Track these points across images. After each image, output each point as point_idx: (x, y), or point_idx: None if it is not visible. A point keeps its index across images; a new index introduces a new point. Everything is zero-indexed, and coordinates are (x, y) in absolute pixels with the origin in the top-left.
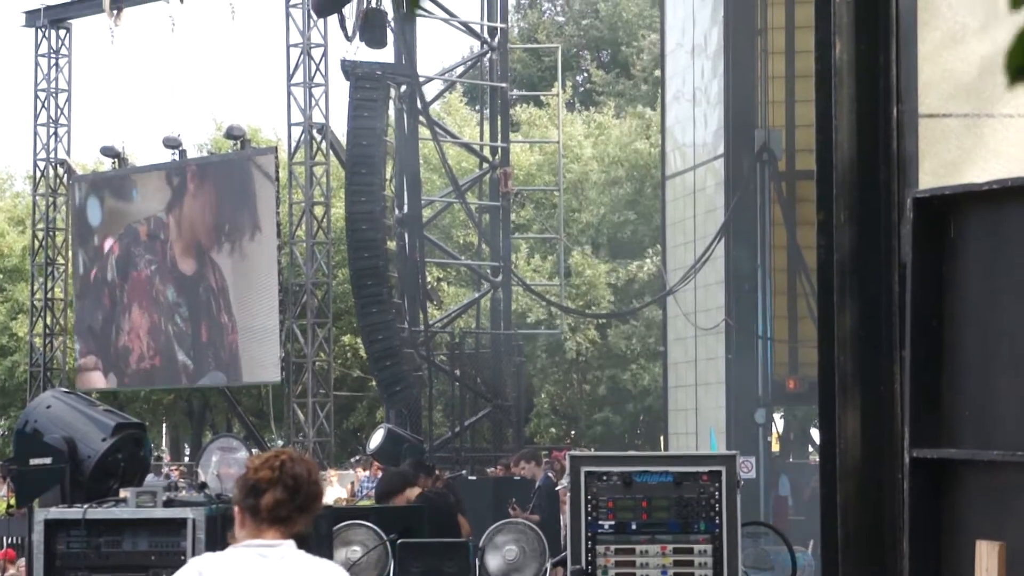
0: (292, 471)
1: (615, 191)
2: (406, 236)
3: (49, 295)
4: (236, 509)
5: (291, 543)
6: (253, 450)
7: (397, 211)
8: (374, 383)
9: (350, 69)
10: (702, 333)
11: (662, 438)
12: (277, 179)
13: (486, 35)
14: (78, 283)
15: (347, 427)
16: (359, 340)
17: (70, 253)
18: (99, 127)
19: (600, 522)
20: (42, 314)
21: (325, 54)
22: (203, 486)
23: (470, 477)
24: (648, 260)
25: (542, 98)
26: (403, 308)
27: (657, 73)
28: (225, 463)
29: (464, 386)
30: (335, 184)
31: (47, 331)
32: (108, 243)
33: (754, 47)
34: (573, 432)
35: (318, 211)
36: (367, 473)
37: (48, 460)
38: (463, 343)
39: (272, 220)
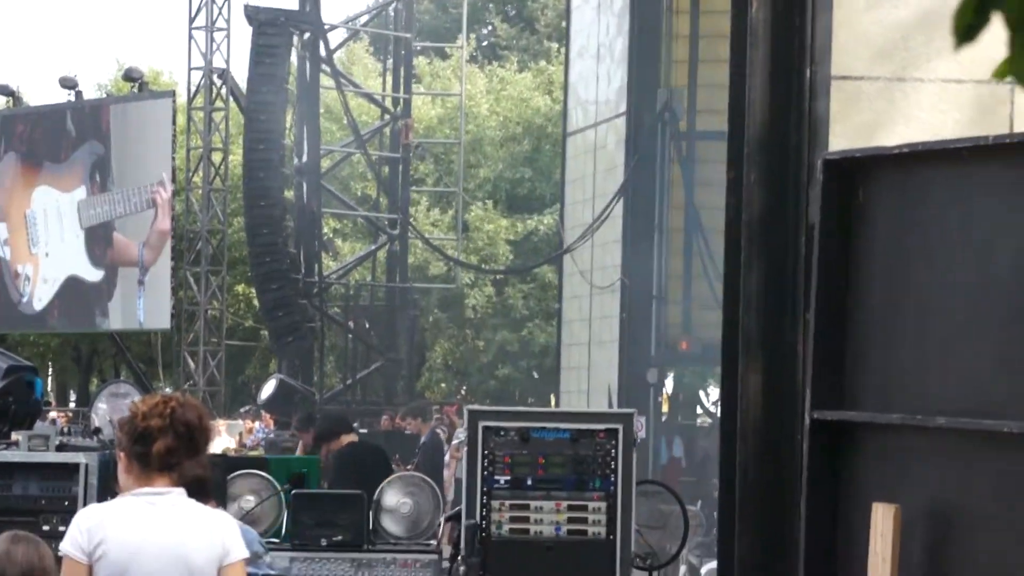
0: (183, 418)
1: (513, 147)
2: (304, 186)
3: None
4: (122, 455)
5: (181, 491)
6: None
7: (296, 160)
8: (267, 333)
9: (253, 15)
10: (597, 292)
11: (553, 396)
12: (174, 124)
13: None
14: None
15: (240, 378)
16: (253, 289)
17: None
18: None
19: (496, 477)
20: None
21: None
22: (97, 431)
23: (360, 430)
24: (547, 216)
25: (446, 50)
26: (298, 258)
27: (563, 28)
28: (116, 409)
29: (357, 338)
30: (234, 131)
31: None
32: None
33: (659, 5)
34: (464, 388)
35: (216, 157)
36: (258, 423)
37: None
38: (358, 295)
39: (168, 165)
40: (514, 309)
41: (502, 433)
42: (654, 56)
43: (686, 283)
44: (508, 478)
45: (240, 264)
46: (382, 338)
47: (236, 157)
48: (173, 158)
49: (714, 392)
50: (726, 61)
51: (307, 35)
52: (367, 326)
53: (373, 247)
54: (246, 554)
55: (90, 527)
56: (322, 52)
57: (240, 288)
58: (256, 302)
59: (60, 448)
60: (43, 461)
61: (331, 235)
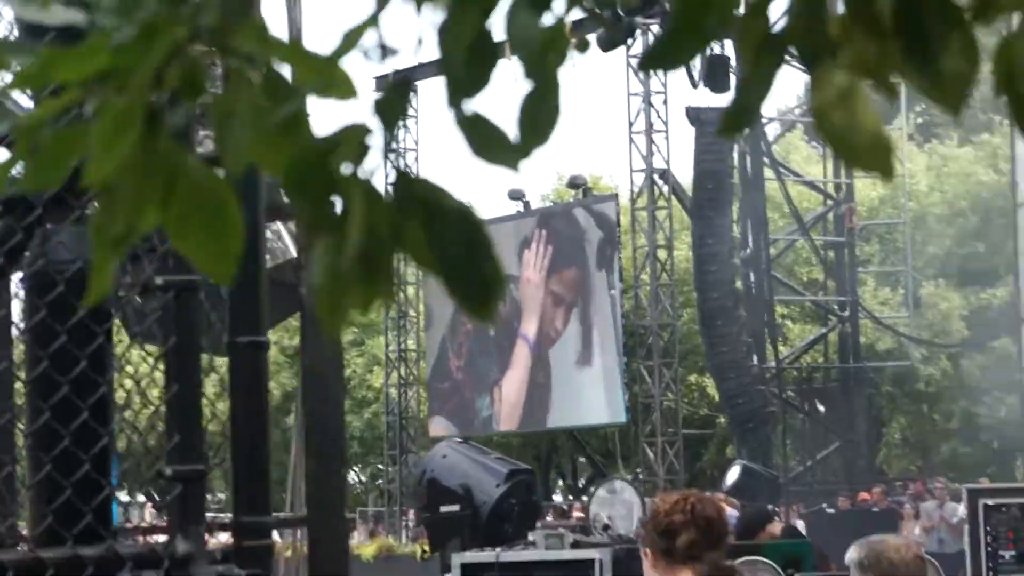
0: (703, 513)
1: (960, 222)
2: (751, 275)
3: (403, 347)
4: (647, 551)
5: None
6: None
7: (742, 251)
8: (721, 420)
9: (695, 115)
10: None
11: (1021, 468)
12: (618, 224)
13: None
14: (429, 338)
15: (697, 465)
16: (705, 379)
17: (421, 307)
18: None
19: (1000, 553)
20: (396, 366)
21: (665, 101)
22: (606, 527)
23: (828, 510)
24: (999, 289)
25: None
26: (751, 346)
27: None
28: (613, 504)
29: (814, 420)
30: (677, 227)
31: (401, 382)
32: None
33: None
34: (920, 463)
35: (660, 254)
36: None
37: (456, 508)
38: (811, 378)
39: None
40: (970, 378)
41: (1004, 509)
42: None
43: None
44: (1013, 553)
45: (690, 355)
46: (838, 418)
47: (680, 252)
48: (619, 257)
49: None
50: None
51: (747, 130)
52: (819, 407)
53: (824, 330)
54: None
55: None
56: (762, 145)
57: (692, 378)
58: (709, 390)
59: (575, 545)
60: (560, 559)
61: (780, 321)
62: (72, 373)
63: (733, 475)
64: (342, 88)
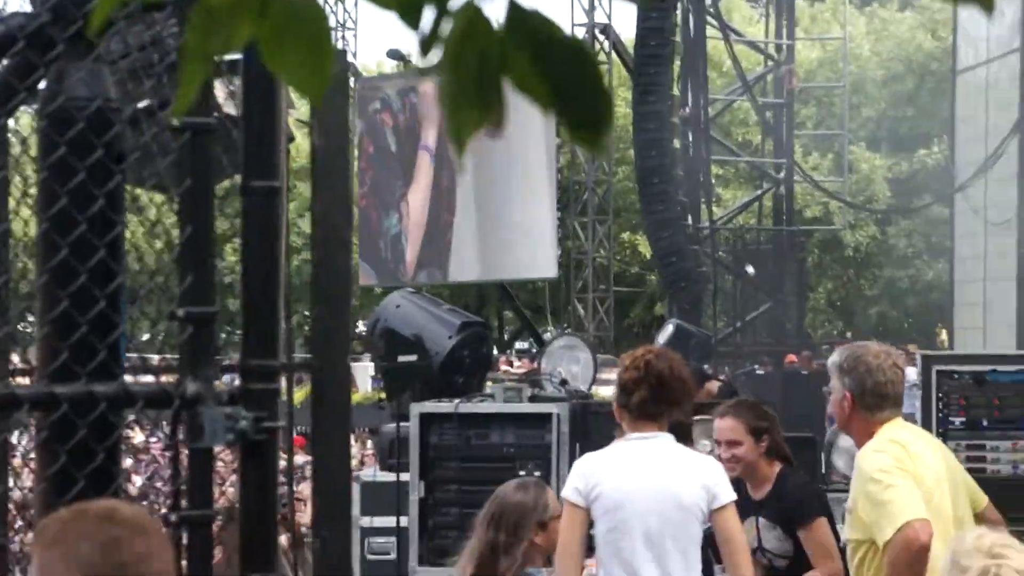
0: (656, 368)
1: (896, 87)
2: (689, 135)
3: None
4: (615, 405)
5: (668, 435)
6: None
7: (682, 110)
8: (652, 279)
9: None
10: (992, 228)
11: (944, 332)
12: None
13: None
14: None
15: (625, 322)
16: (637, 237)
17: (355, 152)
18: (386, 30)
19: (951, 419)
20: None
21: None
22: (564, 382)
23: (758, 371)
24: (932, 153)
25: None
26: (686, 206)
27: None
28: (570, 360)
29: (746, 282)
30: (615, 83)
31: None
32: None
33: None
34: (849, 332)
35: None
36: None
37: (414, 357)
38: (744, 240)
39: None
40: (897, 248)
41: (956, 376)
42: None
43: None
44: (963, 419)
45: (624, 212)
46: (768, 281)
47: (619, 109)
48: None
49: None
50: None
51: None
52: (749, 270)
53: (759, 192)
54: (734, 497)
55: (585, 472)
56: (705, 2)
57: (625, 236)
58: (641, 249)
59: (532, 399)
60: (518, 412)
61: (714, 182)
62: (89, 211)
63: (666, 333)
64: None
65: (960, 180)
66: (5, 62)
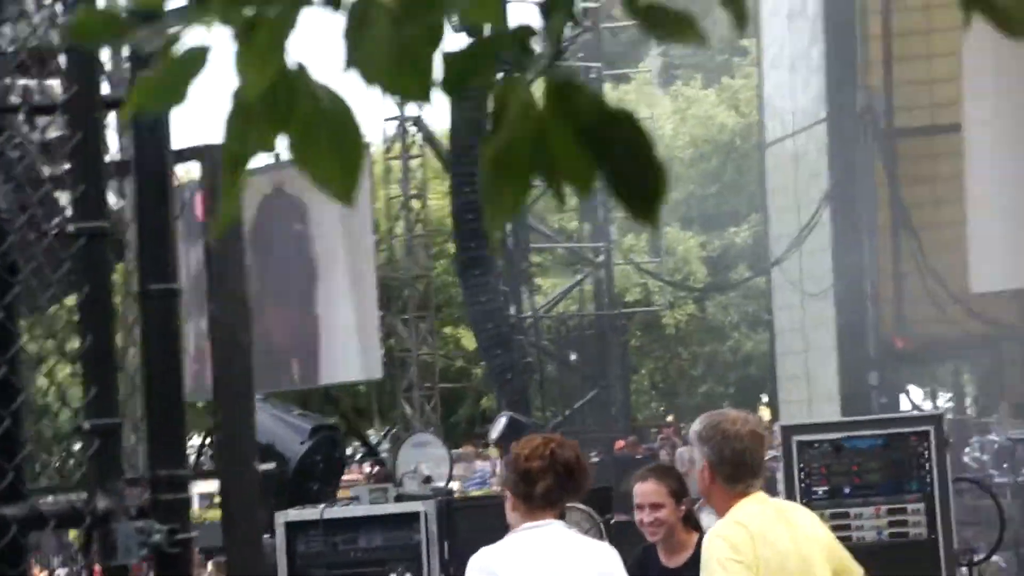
0: (562, 458)
1: (703, 166)
2: (506, 224)
3: None
4: (508, 495)
5: (560, 522)
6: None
7: None
8: (477, 372)
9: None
10: (810, 299)
11: (765, 407)
12: (371, 175)
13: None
14: None
15: (454, 419)
16: (459, 330)
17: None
18: None
19: (814, 488)
20: None
21: None
22: (427, 479)
23: (594, 459)
24: (743, 229)
25: (629, 74)
26: (508, 295)
27: (742, 43)
28: (424, 458)
29: (571, 369)
30: (429, 175)
31: None
32: None
33: (852, 6)
34: (671, 415)
35: (414, 204)
36: (486, 463)
37: (273, 465)
38: (568, 328)
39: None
40: (715, 319)
41: (816, 445)
42: (850, 59)
43: (896, 281)
44: (826, 488)
45: (446, 307)
46: (592, 366)
47: (434, 201)
48: (372, 208)
49: (915, 392)
50: (923, 57)
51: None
52: (571, 357)
53: (580, 277)
54: None
55: (484, 567)
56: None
57: (448, 330)
58: (464, 342)
59: (398, 499)
60: (386, 513)
61: (534, 269)
62: None
63: (499, 426)
64: (486, 9)
65: (775, 252)
66: None
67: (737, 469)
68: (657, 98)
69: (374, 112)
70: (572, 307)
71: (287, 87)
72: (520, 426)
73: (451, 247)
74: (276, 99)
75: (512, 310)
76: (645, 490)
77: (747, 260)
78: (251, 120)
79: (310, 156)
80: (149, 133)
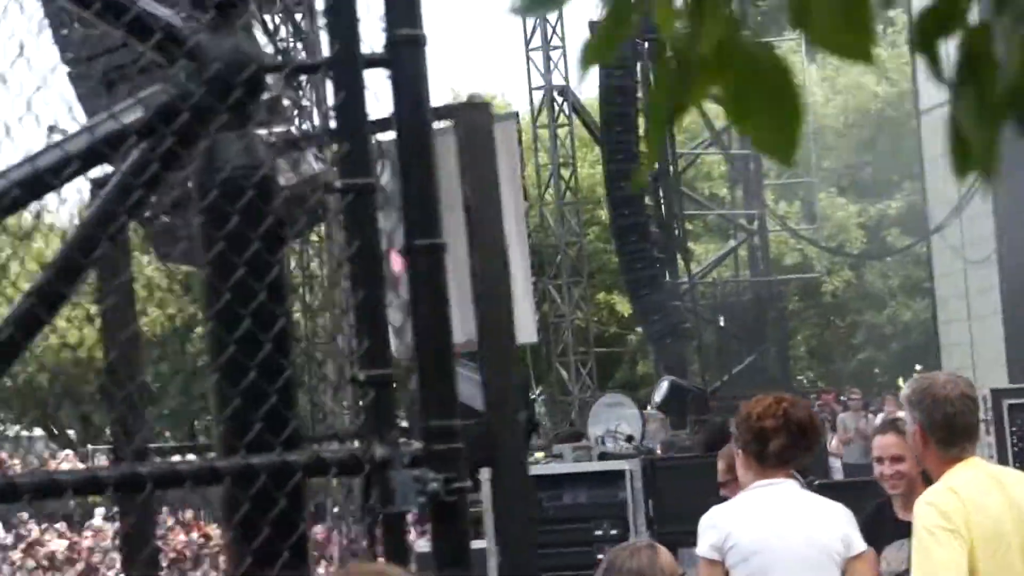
0: (795, 416)
1: (854, 134)
2: (660, 191)
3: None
4: (740, 452)
5: (793, 481)
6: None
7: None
8: (631, 338)
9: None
10: (972, 265)
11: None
12: (520, 144)
13: None
14: None
15: (609, 383)
16: (613, 296)
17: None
18: None
19: None
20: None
21: (560, 16)
22: (630, 438)
23: None
24: (896, 200)
25: (774, 44)
26: (664, 262)
27: (888, 14)
28: (620, 418)
29: (727, 334)
30: (577, 145)
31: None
32: None
33: None
34: (824, 381)
35: (564, 172)
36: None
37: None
38: (724, 293)
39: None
40: (873, 286)
41: None
42: None
43: None
44: None
45: (598, 273)
46: (749, 332)
47: (583, 170)
48: (523, 176)
49: None
50: None
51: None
52: (722, 323)
53: (735, 243)
54: (867, 547)
55: (716, 525)
56: None
57: (600, 296)
58: (617, 308)
59: (602, 457)
60: (590, 471)
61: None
62: (268, 278)
63: (661, 391)
64: None
65: (935, 219)
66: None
67: (950, 433)
68: (803, 67)
69: (520, 81)
70: (726, 273)
71: (730, 41)
72: (682, 390)
73: (601, 214)
74: (720, 52)
75: (667, 276)
76: (886, 443)
77: (903, 228)
78: (681, 73)
79: (746, 114)
80: (409, 92)
